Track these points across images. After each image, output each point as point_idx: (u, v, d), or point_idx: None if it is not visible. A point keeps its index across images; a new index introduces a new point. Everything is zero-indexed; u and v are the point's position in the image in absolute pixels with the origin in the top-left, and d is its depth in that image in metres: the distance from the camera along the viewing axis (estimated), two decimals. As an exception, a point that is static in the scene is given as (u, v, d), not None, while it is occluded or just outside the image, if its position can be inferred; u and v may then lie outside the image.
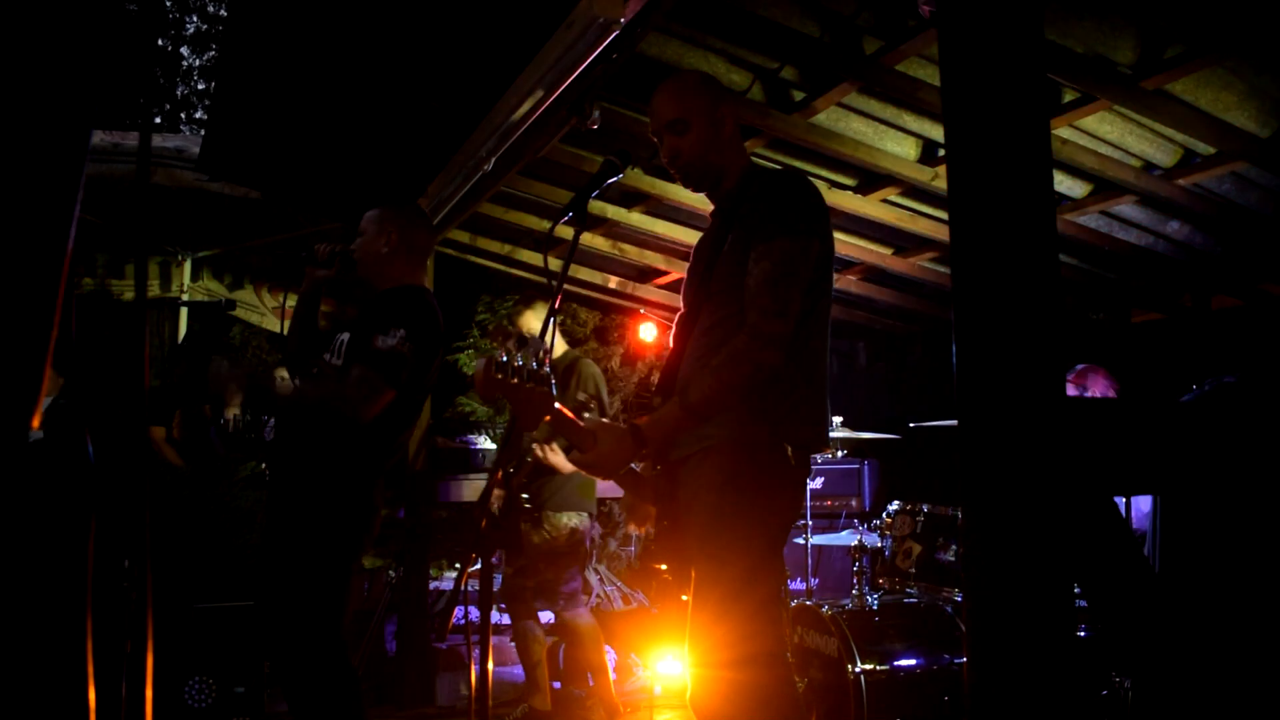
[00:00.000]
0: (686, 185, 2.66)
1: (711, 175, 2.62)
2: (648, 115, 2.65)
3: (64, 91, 1.03)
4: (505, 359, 2.25)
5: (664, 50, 3.84)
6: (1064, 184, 4.50)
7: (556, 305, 2.53)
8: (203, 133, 6.97)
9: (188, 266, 9.26)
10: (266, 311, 9.86)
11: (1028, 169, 1.78)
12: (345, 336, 3.22)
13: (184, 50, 16.63)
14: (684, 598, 2.45)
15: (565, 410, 2.36)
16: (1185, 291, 5.52)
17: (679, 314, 2.64)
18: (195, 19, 16.09)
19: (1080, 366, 4.59)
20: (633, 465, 2.51)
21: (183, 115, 16.11)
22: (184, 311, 9.21)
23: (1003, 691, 1.60)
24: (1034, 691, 1.56)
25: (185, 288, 9.35)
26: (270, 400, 3.09)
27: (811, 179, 2.53)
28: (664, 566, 2.65)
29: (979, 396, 1.70)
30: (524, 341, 2.27)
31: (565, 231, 2.60)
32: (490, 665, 2.44)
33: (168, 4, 16.74)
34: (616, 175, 2.64)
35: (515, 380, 2.25)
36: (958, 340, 1.75)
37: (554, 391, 2.33)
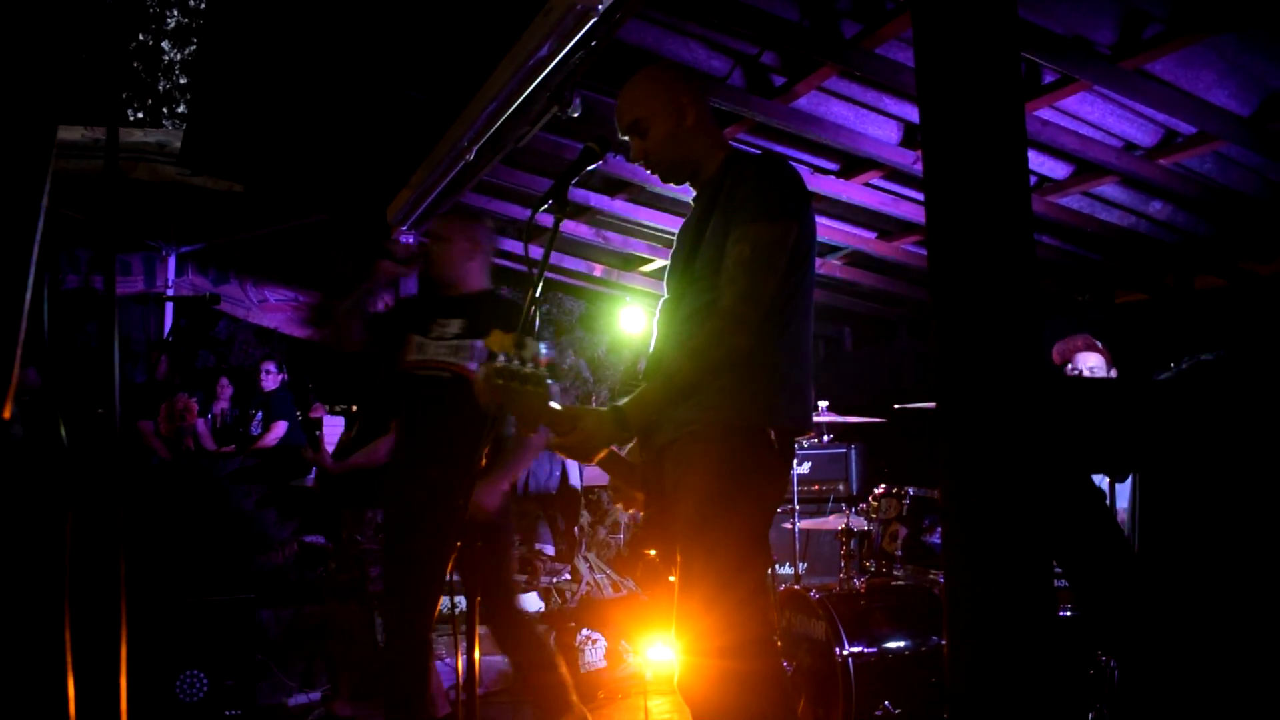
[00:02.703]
0: (665, 181, 2.65)
1: (684, 167, 2.61)
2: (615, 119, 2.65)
3: (28, 78, 1.02)
4: (503, 364, 2.25)
5: (644, 37, 3.82)
6: (1045, 165, 4.51)
7: (537, 293, 2.53)
8: (184, 127, 6.94)
9: (172, 261, 9.23)
10: (252, 305, 9.83)
11: (1003, 149, 1.78)
12: (482, 344, 3.48)
13: (165, 45, 16.52)
14: (670, 579, 2.45)
15: (559, 408, 2.35)
16: (1169, 271, 5.55)
17: (661, 300, 2.63)
18: (176, 13, 16.00)
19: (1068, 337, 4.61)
20: (619, 451, 2.51)
21: (165, 110, 16.02)
22: (169, 306, 9.19)
23: (982, 672, 1.61)
24: (1013, 671, 1.57)
25: (170, 282, 9.32)
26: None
27: (793, 164, 2.52)
28: (653, 551, 2.65)
29: (956, 377, 1.70)
30: (523, 344, 2.25)
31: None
32: (478, 654, 2.44)
33: (147, -1, 16.65)
34: (596, 162, 2.63)
35: (515, 384, 2.25)
36: (936, 322, 1.75)
37: (551, 391, 2.33)
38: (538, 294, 2.53)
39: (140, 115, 16.44)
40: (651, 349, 2.63)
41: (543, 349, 2.39)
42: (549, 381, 2.31)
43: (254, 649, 4.98)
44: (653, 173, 2.63)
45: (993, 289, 1.70)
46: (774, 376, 2.38)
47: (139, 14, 16.47)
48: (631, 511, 2.64)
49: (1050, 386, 1.87)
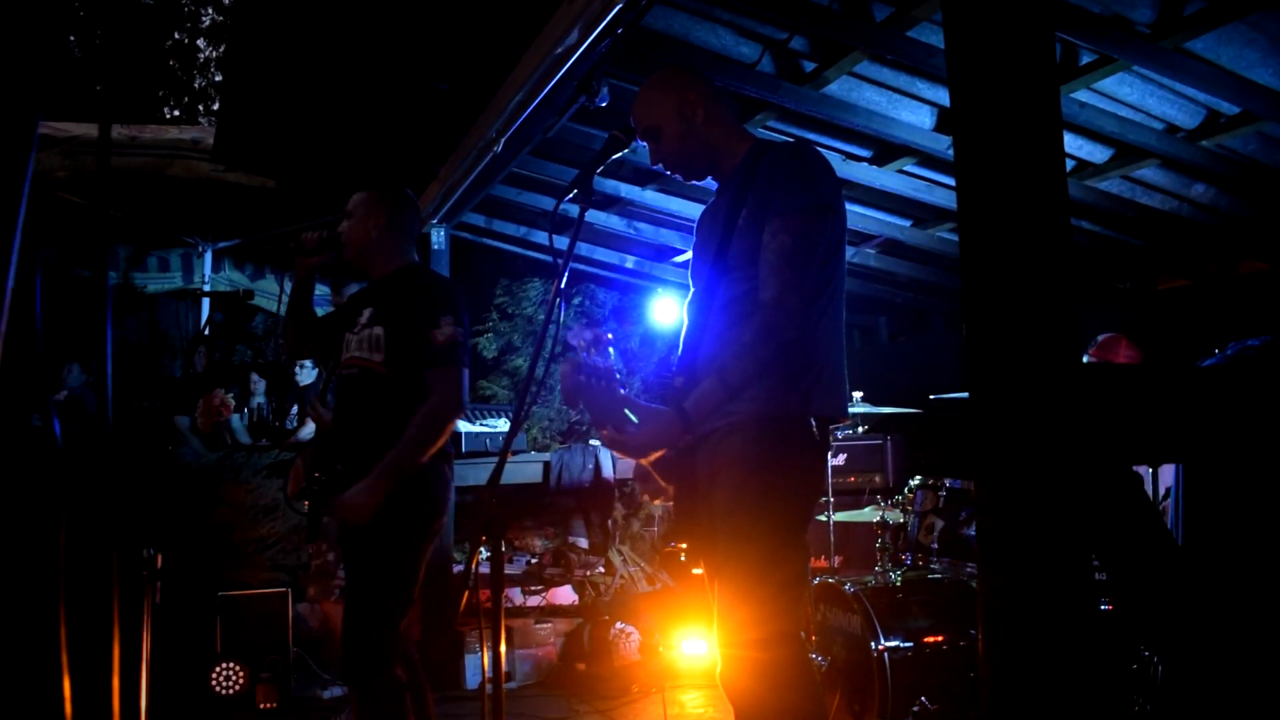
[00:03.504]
0: (688, 179, 2.68)
1: (702, 163, 2.62)
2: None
3: (6, 68, 1.00)
4: (586, 361, 2.26)
5: (671, 24, 3.78)
6: (1084, 149, 4.41)
7: (562, 284, 2.50)
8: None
9: (208, 257, 9.31)
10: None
11: (1037, 131, 1.72)
12: (379, 331, 3.15)
13: (200, 43, 16.69)
14: (695, 571, 2.44)
15: (625, 401, 2.34)
16: (1212, 256, 5.42)
17: (690, 292, 2.61)
18: (211, 11, 16.15)
19: (1102, 337, 4.51)
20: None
21: (200, 107, 16.15)
22: (205, 302, 9.30)
23: (1016, 670, 1.56)
24: (1048, 669, 1.52)
25: (207, 278, 9.41)
26: (397, 472, 3.00)
27: (826, 151, 2.50)
28: (684, 545, 2.62)
29: (989, 366, 1.65)
30: (598, 340, 2.25)
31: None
32: (503, 648, 2.41)
33: (183, -2, 16.81)
34: (621, 150, 2.62)
35: (594, 381, 2.26)
36: (967, 310, 1.70)
37: (621, 388, 2.33)
38: (563, 285, 2.51)
39: (176, 113, 16.61)
40: (683, 342, 2.60)
41: (610, 339, 2.38)
42: (619, 378, 2.31)
43: (289, 642, 5.00)
44: (673, 174, 2.67)
45: (1027, 275, 1.64)
46: (812, 366, 2.37)
47: (174, 13, 16.67)
48: (658, 501, 2.63)
49: (1088, 375, 1.81)
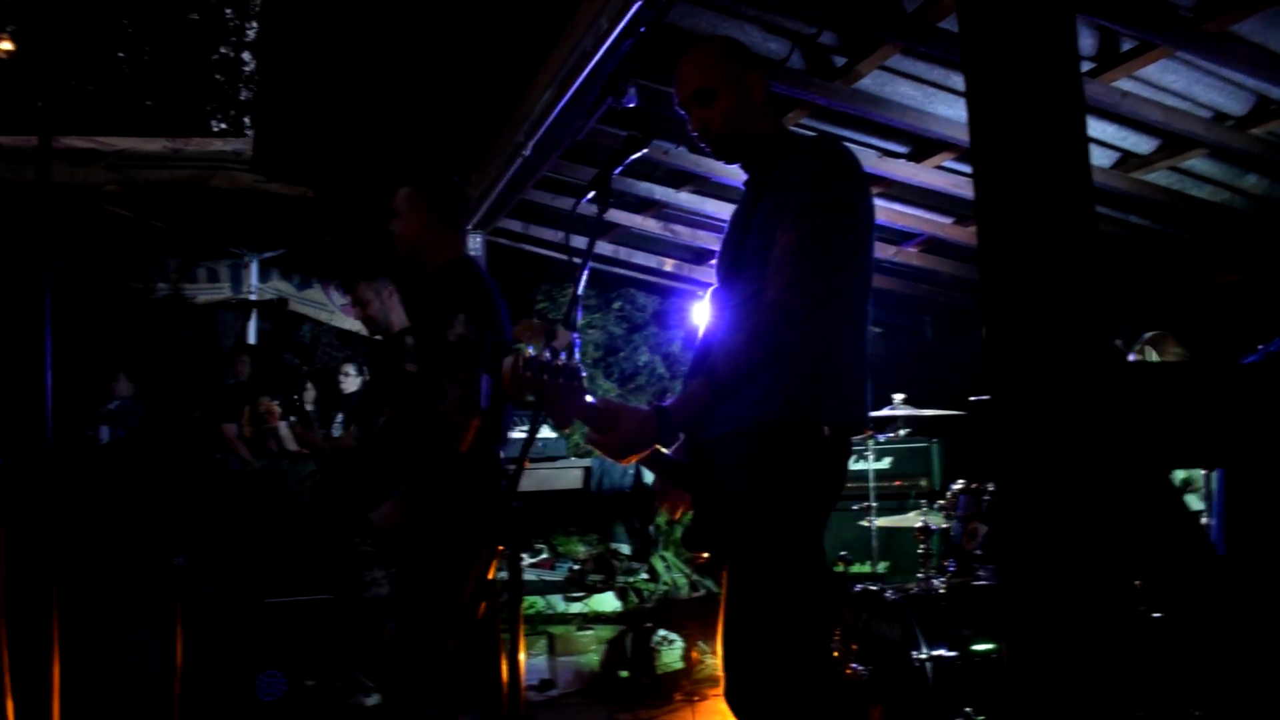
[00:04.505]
0: (719, 158, 2.53)
1: (744, 145, 2.48)
2: (673, 86, 2.54)
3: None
4: (533, 355, 2.16)
5: (697, 21, 3.71)
6: (1128, 139, 4.27)
7: (580, 288, 2.45)
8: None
9: (255, 267, 9.42)
10: (335, 309, 9.98)
11: (1056, 120, 1.63)
12: (410, 340, 3.15)
13: (245, 55, 16.92)
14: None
15: (595, 403, 2.25)
16: (1267, 249, 5.23)
17: (711, 288, 2.54)
18: (255, 25, 16.32)
19: (1149, 335, 4.36)
20: (662, 450, 2.40)
21: (246, 119, 16.33)
22: (253, 312, 9.41)
23: (1041, 685, 1.47)
24: (1073, 684, 1.43)
25: (254, 288, 9.52)
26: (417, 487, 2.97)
27: (860, 148, 2.40)
28: (705, 555, 2.54)
29: (1006, 365, 1.56)
30: (554, 334, 2.16)
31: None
32: (522, 655, 2.37)
33: (228, 11, 17.06)
34: (640, 150, 2.54)
35: (545, 377, 2.15)
36: (983, 306, 1.62)
37: (585, 385, 2.23)
38: (580, 290, 2.45)
39: (223, 125, 16.86)
40: (701, 340, 2.54)
41: (575, 340, 2.28)
42: (583, 374, 2.21)
43: (333, 649, 5.00)
44: (707, 144, 2.49)
45: (1046, 268, 1.56)
46: (827, 370, 2.26)
47: (219, 27, 16.96)
48: (676, 516, 2.52)
49: (1118, 373, 1.72)
